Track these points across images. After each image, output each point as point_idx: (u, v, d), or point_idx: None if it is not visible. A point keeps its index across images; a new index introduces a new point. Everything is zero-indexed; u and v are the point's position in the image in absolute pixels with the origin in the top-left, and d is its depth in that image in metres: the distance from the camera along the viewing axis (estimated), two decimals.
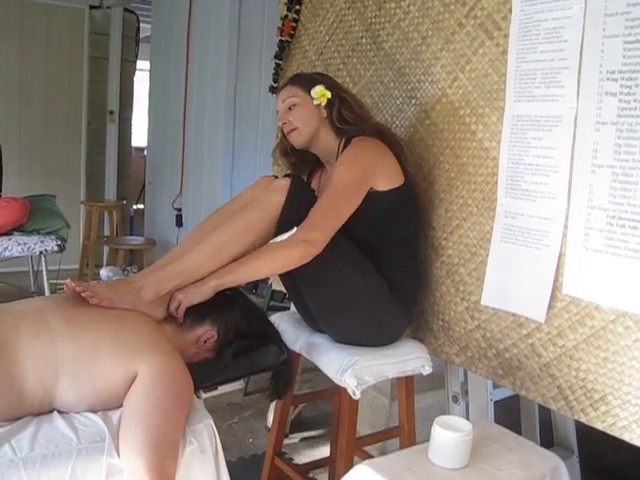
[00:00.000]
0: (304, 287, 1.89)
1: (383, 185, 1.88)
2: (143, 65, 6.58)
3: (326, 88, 1.98)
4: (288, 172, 2.12)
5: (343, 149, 1.95)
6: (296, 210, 1.78)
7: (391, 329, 1.96)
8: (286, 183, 1.81)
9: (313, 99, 1.98)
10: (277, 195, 1.80)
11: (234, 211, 1.87)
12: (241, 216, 1.81)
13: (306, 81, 2.03)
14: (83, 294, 1.59)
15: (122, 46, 5.67)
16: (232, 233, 1.78)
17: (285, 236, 1.74)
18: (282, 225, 1.78)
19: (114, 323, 1.56)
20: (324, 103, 1.98)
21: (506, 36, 1.79)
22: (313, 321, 1.99)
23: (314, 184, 2.14)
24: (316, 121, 2.01)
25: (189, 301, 1.69)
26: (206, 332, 1.71)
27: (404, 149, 2.01)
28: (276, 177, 1.98)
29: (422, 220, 2.08)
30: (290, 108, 2.02)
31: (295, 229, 1.73)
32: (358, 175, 1.84)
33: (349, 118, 1.98)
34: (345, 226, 1.79)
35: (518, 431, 1.95)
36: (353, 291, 1.85)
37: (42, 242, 3.40)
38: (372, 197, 1.86)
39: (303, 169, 2.19)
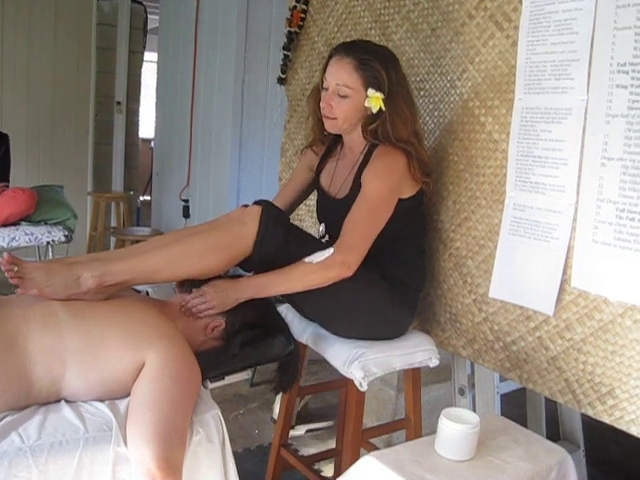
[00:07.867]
0: (300, 302, 1.94)
1: (406, 194, 1.89)
2: (151, 56, 6.57)
3: (385, 101, 1.83)
4: (260, 199, 1.91)
5: (367, 153, 1.92)
6: (270, 238, 1.74)
7: (395, 324, 1.95)
8: (257, 211, 1.76)
9: (367, 97, 1.84)
10: (249, 225, 1.74)
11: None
12: (212, 235, 1.76)
13: (372, 77, 1.83)
14: (10, 278, 1.55)
15: (130, 37, 5.66)
16: (198, 248, 1.72)
17: (321, 256, 1.73)
18: (259, 253, 1.74)
19: (121, 313, 1.57)
20: (374, 110, 1.84)
21: (516, 28, 1.78)
22: None
23: (329, 166, 2.08)
24: (357, 119, 1.90)
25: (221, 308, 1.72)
26: (214, 320, 1.71)
27: (426, 157, 1.92)
28: (246, 206, 1.86)
29: (430, 217, 2.08)
30: (340, 94, 1.85)
31: (332, 249, 1.73)
32: (390, 188, 1.83)
33: (382, 137, 1.87)
34: None
35: (524, 424, 1.95)
36: (348, 295, 1.83)
37: (49, 232, 3.40)
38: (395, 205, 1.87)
39: (322, 139, 2.10)
